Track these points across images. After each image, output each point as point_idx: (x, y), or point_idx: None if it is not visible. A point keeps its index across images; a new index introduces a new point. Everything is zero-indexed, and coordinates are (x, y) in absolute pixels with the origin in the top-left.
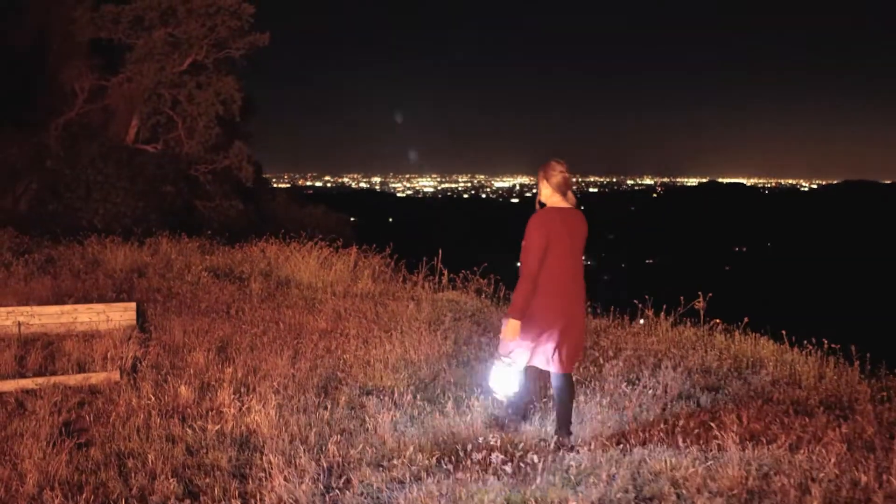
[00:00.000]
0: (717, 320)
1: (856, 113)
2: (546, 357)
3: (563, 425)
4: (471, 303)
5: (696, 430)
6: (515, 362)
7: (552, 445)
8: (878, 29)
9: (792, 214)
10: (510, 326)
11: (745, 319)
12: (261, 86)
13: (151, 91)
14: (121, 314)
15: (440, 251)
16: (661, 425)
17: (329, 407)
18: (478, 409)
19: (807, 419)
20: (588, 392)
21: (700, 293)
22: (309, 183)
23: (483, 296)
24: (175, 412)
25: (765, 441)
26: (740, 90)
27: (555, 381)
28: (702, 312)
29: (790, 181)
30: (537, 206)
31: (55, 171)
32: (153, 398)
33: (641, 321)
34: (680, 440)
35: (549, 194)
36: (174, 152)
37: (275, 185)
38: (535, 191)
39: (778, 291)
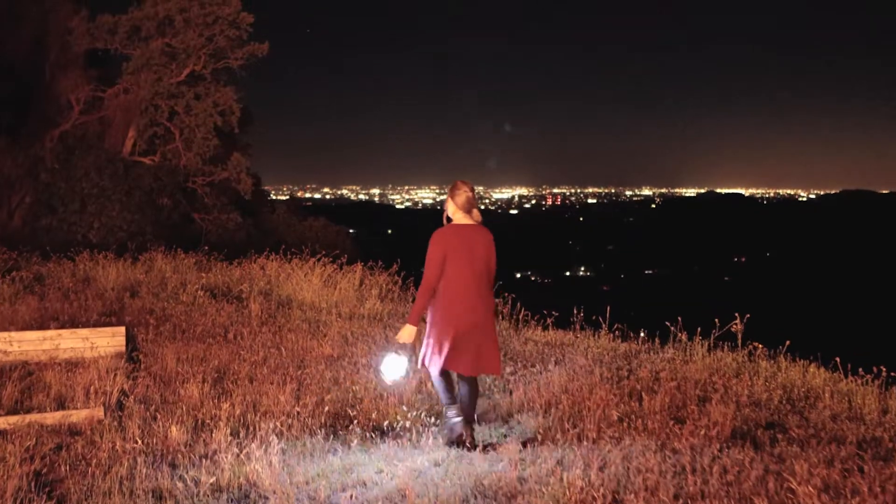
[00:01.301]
0: (758, 344)
1: (854, 123)
2: (454, 360)
3: (468, 421)
4: None
5: (768, 483)
6: (406, 354)
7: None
8: (876, 39)
9: (790, 224)
10: (405, 331)
11: (787, 343)
12: (260, 97)
13: (148, 102)
14: (108, 340)
15: None
16: (724, 475)
17: (339, 451)
18: (509, 451)
19: (882, 463)
20: (632, 432)
21: (737, 314)
22: (308, 195)
23: (500, 317)
24: (164, 458)
25: (847, 494)
26: (738, 101)
27: (460, 383)
28: (739, 335)
29: (788, 191)
30: (444, 221)
31: (50, 184)
32: (139, 441)
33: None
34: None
35: (453, 211)
36: (171, 164)
37: (274, 197)
38: (533, 202)
39: (786, 305)
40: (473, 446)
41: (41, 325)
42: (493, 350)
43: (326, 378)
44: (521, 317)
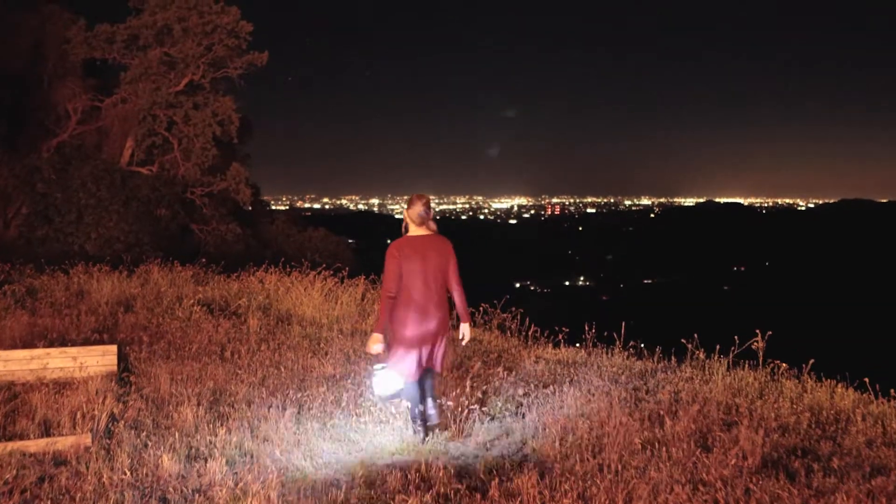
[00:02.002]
0: (781, 363)
1: (852, 132)
2: (422, 362)
3: (436, 411)
4: (495, 342)
5: None
6: (388, 366)
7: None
8: (875, 48)
9: (789, 233)
10: (372, 340)
11: (811, 361)
12: (259, 106)
13: (146, 112)
14: (98, 359)
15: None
16: None
17: (342, 484)
18: (526, 484)
19: None
20: (656, 458)
21: (758, 331)
22: (307, 205)
23: (508, 333)
24: (154, 492)
25: None
26: (737, 110)
27: (427, 378)
28: (761, 353)
29: (787, 200)
30: (402, 230)
31: (46, 194)
32: (128, 473)
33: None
34: None
35: (409, 223)
36: (170, 175)
37: (273, 207)
38: (532, 212)
39: (786, 315)
40: (435, 425)
41: (30, 343)
42: (446, 352)
43: (329, 401)
44: (530, 333)
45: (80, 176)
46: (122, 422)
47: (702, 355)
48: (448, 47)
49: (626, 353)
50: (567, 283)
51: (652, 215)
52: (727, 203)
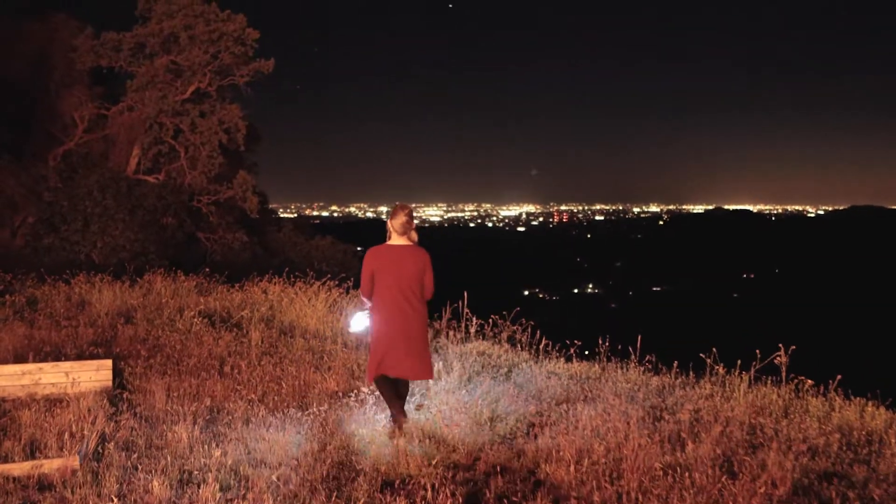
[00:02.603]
0: (805, 379)
1: (862, 138)
2: (386, 367)
3: (401, 413)
4: (504, 356)
5: None
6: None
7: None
8: (886, 54)
9: (799, 240)
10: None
11: (838, 377)
12: (267, 114)
13: (153, 120)
14: (92, 374)
15: (465, 294)
16: None
17: None
18: None
19: None
20: (679, 485)
21: (781, 345)
22: (316, 213)
23: (518, 346)
24: None
25: None
26: (745, 116)
27: (402, 386)
28: (783, 368)
29: (797, 207)
30: (387, 238)
31: (52, 203)
32: (115, 499)
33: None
34: None
35: (391, 231)
36: (176, 183)
37: (282, 215)
38: (541, 219)
39: (796, 323)
40: (401, 427)
41: (25, 356)
42: (422, 358)
43: (330, 421)
44: (542, 347)
45: (87, 184)
46: (113, 442)
47: (721, 370)
48: (457, 54)
49: (642, 368)
50: (576, 291)
51: (661, 222)
52: (736, 210)
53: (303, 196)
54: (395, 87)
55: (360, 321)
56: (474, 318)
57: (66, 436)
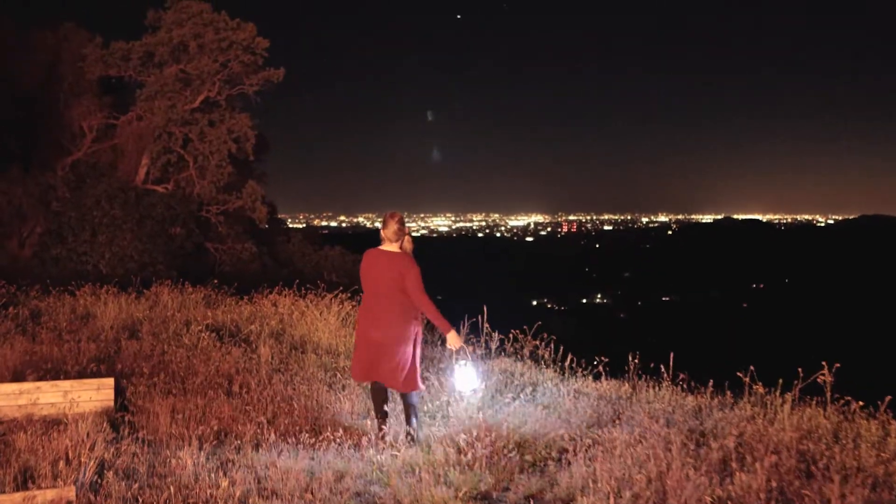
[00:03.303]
0: (854, 400)
1: (872, 147)
2: (370, 370)
3: (383, 416)
4: (528, 374)
5: None
6: (469, 361)
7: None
8: (894, 61)
9: (809, 250)
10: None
11: (888, 398)
12: (276, 123)
13: (162, 129)
14: (93, 394)
15: (485, 308)
16: None
17: None
18: None
19: None
20: None
21: (824, 363)
22: (324, 223)
23: (542, 364)
24: None
25: None
26: (754, 126)
27: (384, 394)
28: (828, 388)
29: (806, 216)
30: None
31: (60, 213)
32: None
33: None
34: None
35: (382, 238)
36: (185, 192)
37: (290, 225)
38: (549, 229)
39: (808, 333)
40: (383, 437)
41: (24, 373)
42: (401, 367)
43: (346, 447)
44: (567, 364)
45: (95, 194)
46: (113, 470)
47: (760, 389)
48: (463, 62)
49: (676, 387)
50: (584, 301)
51: (669, 232)
52: (745, 219)
53: (311, 206)
54: (402, 96)
55: (469, 377)
56: (495, 334)
57: (62, 463)
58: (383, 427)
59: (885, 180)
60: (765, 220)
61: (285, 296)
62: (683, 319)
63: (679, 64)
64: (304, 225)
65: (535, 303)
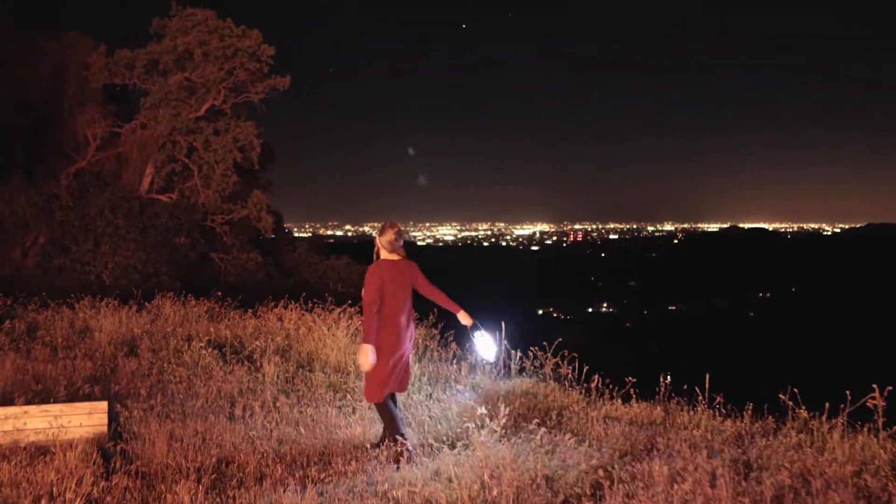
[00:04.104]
0: None
1: (878, 155)
2: (394, 384)
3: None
4: (552, 395)
5: None
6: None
7: None
8: None
9: (815, 259)
10: (362, 351)
11: None
12: (281, 131)
13: (166, 138)
14: (84, 419)
15: (503, 324)
16: None
17: None
18: None
19: None
20: None
21: (875, 385)
22: (330, 232)
23: (566, 383)
24: None
25: None
26: (760, 134)
27: (397, 401)
28: (880, 413)
29: (812, 225)
30: (375, 257)
31: (63, 222)
32: None
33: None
34: None
35: (380, 248)
36: (189, 202)
37: (296, 235)
38: (554, 238)
39: (815, 343)
40: (409, 459)
41: (12, 396)
42: (409, 368)
43: (359, 480)
44: (594, 385)
45: (98, 204)
46: None
47: (804, 413)
48: (470, 71)
49: (711, 411)
50: (590, 310)
51: (675, 241)
52: (751, 228)
53: (316, 215)
54: (407, 105)
55: (489, 344)
56: (516, 352)
57: (45, 501)
58: (408, 446)
59: (892, 189)
60: (771, 229)
61: (291, 309)
62: (690, 328)
63: (684, 73)
64: (310, 234)
65: (540, 312)
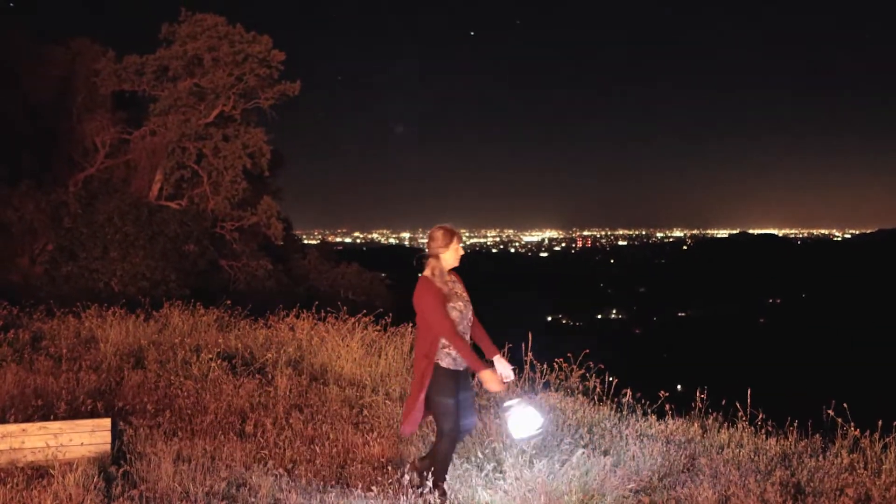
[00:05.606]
0: None
1: (889, 161)
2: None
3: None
4: (581, 411)
5: None
6: (517, 401)
7: None
8: None
9: (826, 265)
10: (485, 377)
11: None
12: (291, 138)
13: (176, 144)
14: (86, 437)
15: (529, 334)
16: None
17: None
18: None
19: None
20: None
21: None
22: (339, 239)
23: (595, 398)
24: None
25: None
26: (769, 140)
27: None
28: None
29: (822, 231)
30: (431, 273)
31: (72, 229)
32: None
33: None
34: None
35: (436, 256)
36: (198, 209)
37: (305, 242)
38: (563, 244)
39: (826, 350)
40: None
41: (9, 412)
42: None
43: None
44: (626, 401)
45: (107, 210)
46: None
47: (854, 430)
48: (477, 78)
49: (750, 427)
50: (599, 317)
51: (684, 247)
52: (761, 234)
53: (326, 222)
54: (416, 113)
55: (527, 419)
56: (543, 365)
57: None
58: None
59: None
60: (781, 235)
61: (303, 319)
62: (699, 335)
63: (694, 78)
64: (320, 241)
65: (549, 318)
